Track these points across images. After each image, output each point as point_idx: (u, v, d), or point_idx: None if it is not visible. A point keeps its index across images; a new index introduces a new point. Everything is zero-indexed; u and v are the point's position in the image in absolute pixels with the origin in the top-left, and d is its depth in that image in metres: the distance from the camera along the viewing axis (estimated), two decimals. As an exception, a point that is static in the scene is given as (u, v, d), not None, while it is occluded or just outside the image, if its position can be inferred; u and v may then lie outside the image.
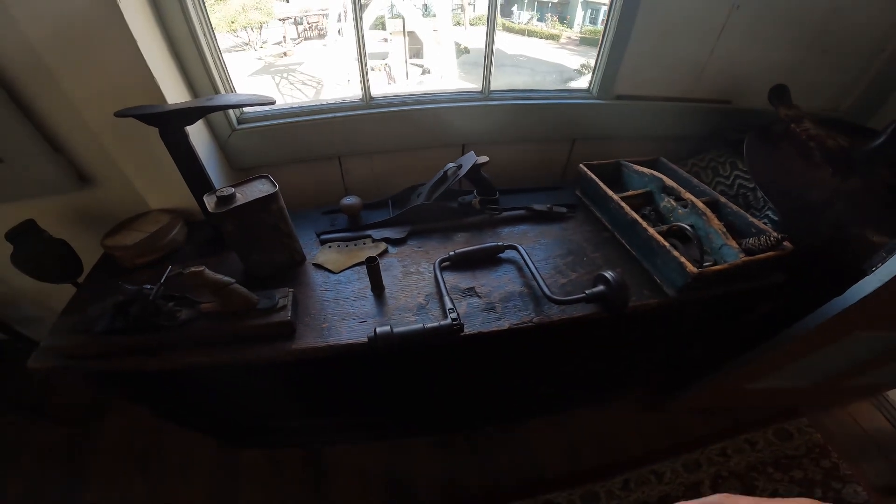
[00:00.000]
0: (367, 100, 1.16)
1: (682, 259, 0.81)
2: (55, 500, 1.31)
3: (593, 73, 1.24)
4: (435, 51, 5.57)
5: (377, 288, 0.88)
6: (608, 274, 0.79)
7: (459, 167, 1.00)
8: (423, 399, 1.20)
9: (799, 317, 0.98)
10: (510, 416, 1.46)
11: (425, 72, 6.58)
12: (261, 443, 1.38)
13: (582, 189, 1.19)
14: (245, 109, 1.14)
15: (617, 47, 1.13)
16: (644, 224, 0.91)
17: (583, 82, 1.28)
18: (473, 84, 1.21)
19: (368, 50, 1.06)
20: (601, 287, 0.80)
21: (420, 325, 0.74)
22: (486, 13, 1.04)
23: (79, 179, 1.09)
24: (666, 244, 0.85)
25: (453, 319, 0.75)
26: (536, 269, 0.87)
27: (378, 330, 0.72)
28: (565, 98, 1.24)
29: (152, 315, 0.72)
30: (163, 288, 0.72)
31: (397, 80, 6.06)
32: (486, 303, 0.86)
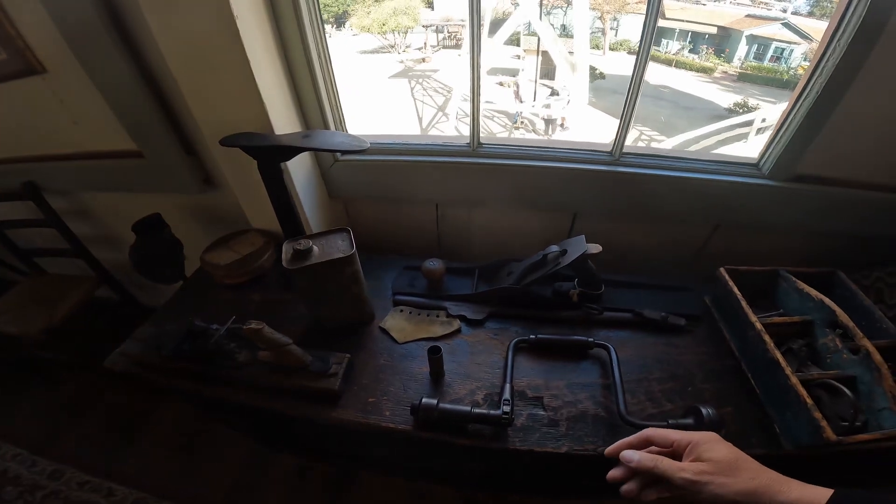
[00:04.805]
0: (474, 147, 1.05)
1: (823, 423, 0.62)
2: (98, 459, 1.43)
3: (769, 146, 0.94)
4: (567, 73, 5.33)
5: (436, 374, 0.79)
6: (705, 410, 0.64)
7: (563, 253, 0.84)
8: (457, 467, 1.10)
9: None
10: (545, 492, 1.28)
11: (554, 93, 6.39)
12: (294, 451, 1.42)
13: (714, 298, 0.93)
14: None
15: (818, 113, 0.80)
16: (787, 370, 0.69)
17: (746, 150, 0.99)
18: (603, 130, 1.00)
19: (500, 64, 0.95)
20: (689, 420, 0.66)
21: (468, 408, 0.68)
22: (635, 45, 0.82)
23: (203, 183, 1.15)
24: (809, 400, 0.65)
25: (504, 413, 0.67)
26: (621, 380, 0.73)
27: (423, 401, 0.69)
28: (723, 174, 0.96)
29: (214, 352, 0.76)
30: (225, 333, 0.75)
31: (524, 99, 5.95)
32: (551, 418, 0.73)
